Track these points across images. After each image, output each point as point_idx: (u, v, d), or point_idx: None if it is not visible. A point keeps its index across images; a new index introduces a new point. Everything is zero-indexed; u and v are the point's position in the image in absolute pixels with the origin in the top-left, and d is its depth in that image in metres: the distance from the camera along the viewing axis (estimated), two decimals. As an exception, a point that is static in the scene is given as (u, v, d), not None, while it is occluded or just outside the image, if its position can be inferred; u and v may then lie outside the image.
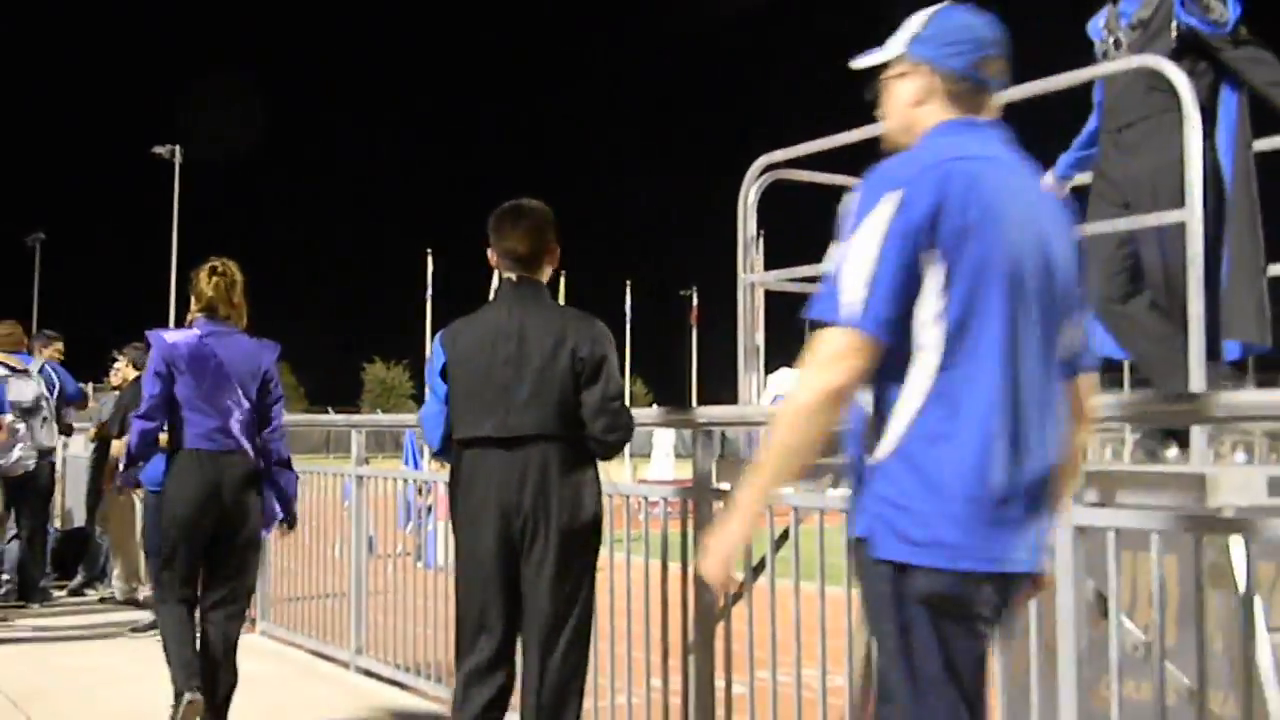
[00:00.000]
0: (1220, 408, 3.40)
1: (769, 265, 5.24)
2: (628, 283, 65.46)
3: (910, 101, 2.78)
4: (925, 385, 2.52)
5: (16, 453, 8.34)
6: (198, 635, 5.28)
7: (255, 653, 6.86)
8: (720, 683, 4.48)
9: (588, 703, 5.10)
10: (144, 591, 8.61)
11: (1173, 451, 4.17)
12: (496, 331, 4.15)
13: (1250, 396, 3.92)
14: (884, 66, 2.80)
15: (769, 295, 5.26)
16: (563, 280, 62.03)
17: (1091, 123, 4.94)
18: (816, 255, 5.18)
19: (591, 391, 4.08)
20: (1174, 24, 4.50)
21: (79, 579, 10.01)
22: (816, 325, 2.57)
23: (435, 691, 5.99)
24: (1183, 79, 3.59)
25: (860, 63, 2.86)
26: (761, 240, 5.22)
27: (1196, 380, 3.58)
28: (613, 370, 4.16)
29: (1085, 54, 4.90)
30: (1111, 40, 4.72)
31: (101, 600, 9.44)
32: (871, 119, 4.74)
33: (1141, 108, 4.53)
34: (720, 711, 4.48)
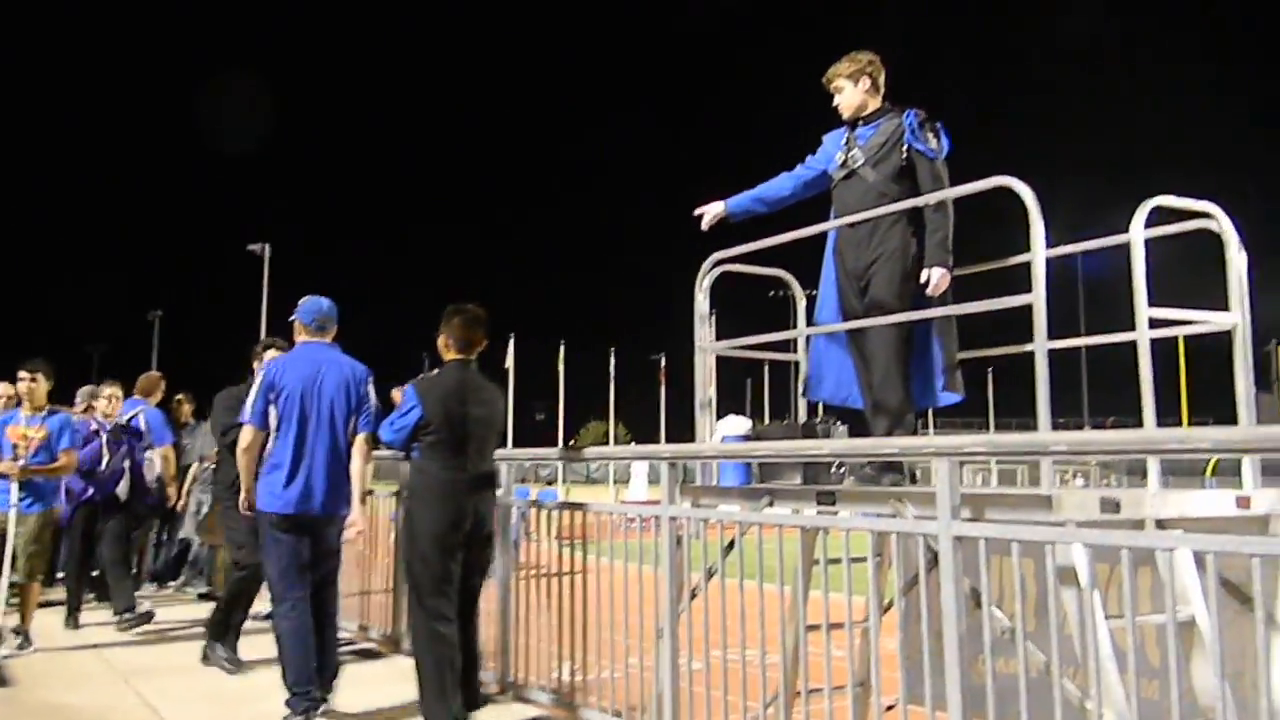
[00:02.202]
0: (1060, 445, 3.41)
1: (719, 336, 5.23)
2: (612, 349, 65.72)
3: (295, 334, 5.22)
4: (274, 443, 4.95)
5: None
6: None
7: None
8: (683, 660, 4.43)
9: (578, 676, 5.05)
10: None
11: (889, 477, 4.35)
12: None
13: (1079, 436, 3.94)
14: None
15: (719, 359, 5.24)
16: (562, 348, 62.42)
17: (784, 191, 5.00)
18: (755, 328, 5.22)
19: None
20: (904, 147, 4.62)
21: (182, 578, 9.85)
22: (240, 424, 5.13)
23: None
24: (1028, 191, 3.63)
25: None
26: (713, 316, 5.23)
27: (1044, 425, 3.58)
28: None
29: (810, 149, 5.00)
30: (849, 153, 4.80)
31: (200, 596, 9.28)
32: (797, 225, 4.86)
33: (872, 210, 4.61)
34: (683, 683, 4.42)
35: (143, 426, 8.39)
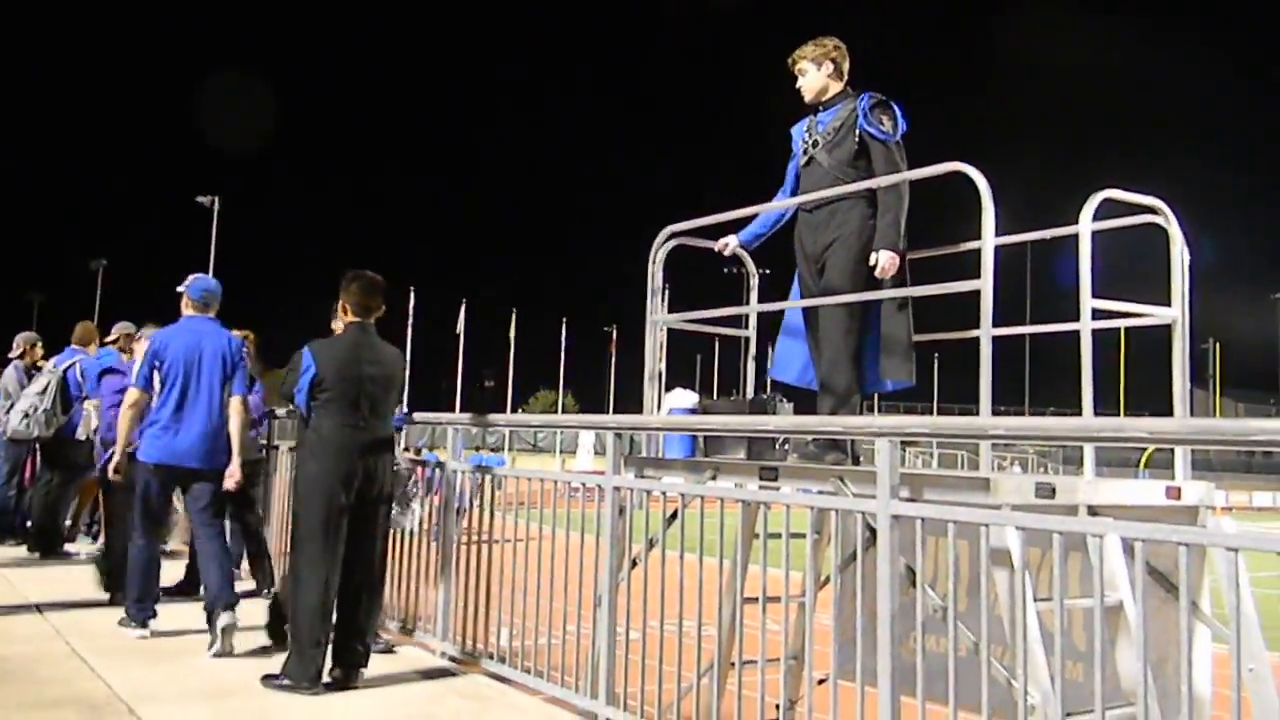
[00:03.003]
0: (999, 429, 3.45)
1: (672, 310, 5.23)
2: (563, 320, 65.69)
3: (182, 306, 5.81)
4: (157, 402, 5.55)
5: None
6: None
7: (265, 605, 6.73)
8: (620, 629, 4.45)
9: (516, 643, 5.05)
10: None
11: (832, 455, 4.40)
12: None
13: (1018, 422, 3.99)
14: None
15: (670, 332, 5.25)
16: (514, 316, 62.15)
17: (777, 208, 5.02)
18: (708, 304, 5.23)
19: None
20: (857, 131, 4.65)
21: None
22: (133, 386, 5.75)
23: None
24: (981, 178, 3.65)
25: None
26: (666, 290, 5.22)
27: (985, 409, 3.63)
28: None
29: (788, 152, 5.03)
30: (811, 141, 4.83)
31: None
32: (752, 200, 4.86)
33: (819, 193, 4.65)
34: (620, 651, 4.44)
35: (79, 377, 8.20)
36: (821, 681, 3.85)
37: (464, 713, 4.49)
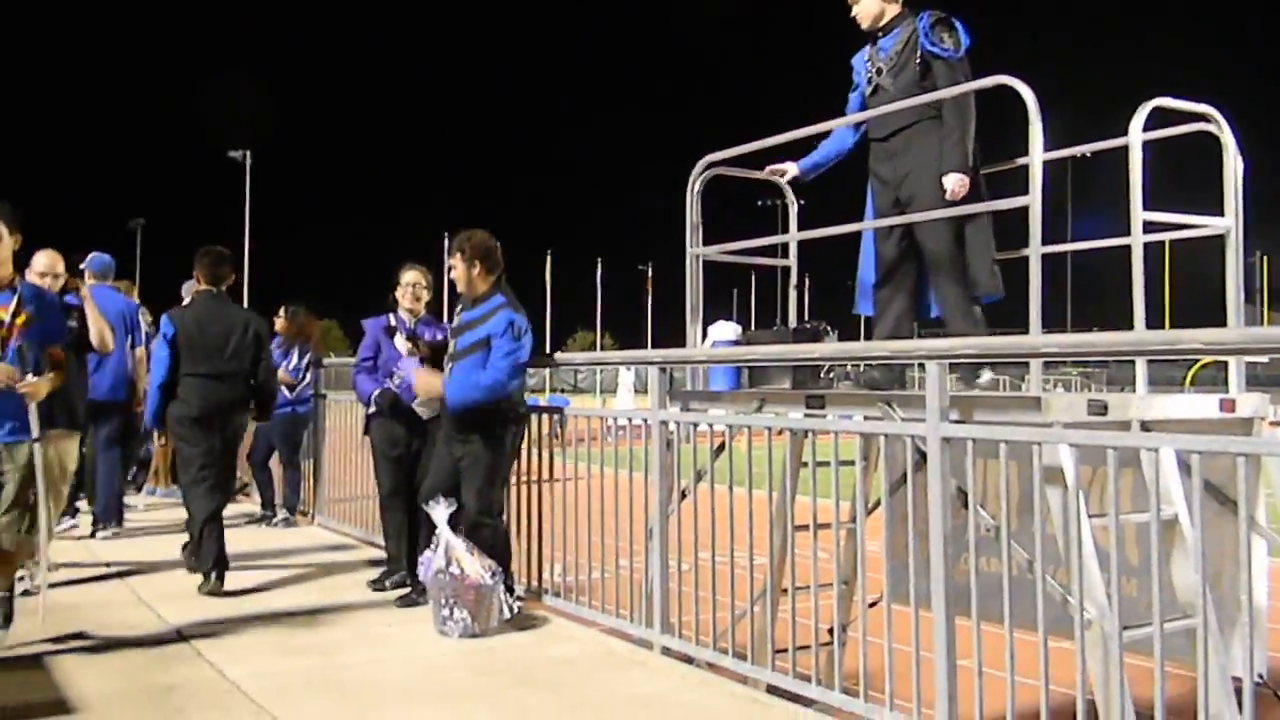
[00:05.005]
0: (1051, 346, 3.42)
1: (708, 241, 5.19)
2: (598, 260, 65.65)
3: (87, 278, 6.77)
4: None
5: None
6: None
7: (315, 538, 7.15)
8: (672, 562, 4.49)
9: (570, 578, 5.12)
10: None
11: (985, 377, 4.27)
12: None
13: (1070, 338, 3.95)
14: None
15: (708, 264, 5.21)
16: (549, 261, 62.13)
17: (846, 138, 4.89)
18: (741, 236, 5.18)
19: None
20: (918, 51, 4.50)
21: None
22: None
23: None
24: (1029, 91, 3.56)
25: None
26: (701, 226, 5.18)
27: (1035, 328, 3.58)
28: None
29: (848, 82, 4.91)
30: (874, 69, 4.68)
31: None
32: (793, 126, 4.79)
33: (901, 119, 4.50)
34: (672, 584, 4.49)
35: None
36: (874, 604, 3.88)
37: (524, 644, 4.58)
